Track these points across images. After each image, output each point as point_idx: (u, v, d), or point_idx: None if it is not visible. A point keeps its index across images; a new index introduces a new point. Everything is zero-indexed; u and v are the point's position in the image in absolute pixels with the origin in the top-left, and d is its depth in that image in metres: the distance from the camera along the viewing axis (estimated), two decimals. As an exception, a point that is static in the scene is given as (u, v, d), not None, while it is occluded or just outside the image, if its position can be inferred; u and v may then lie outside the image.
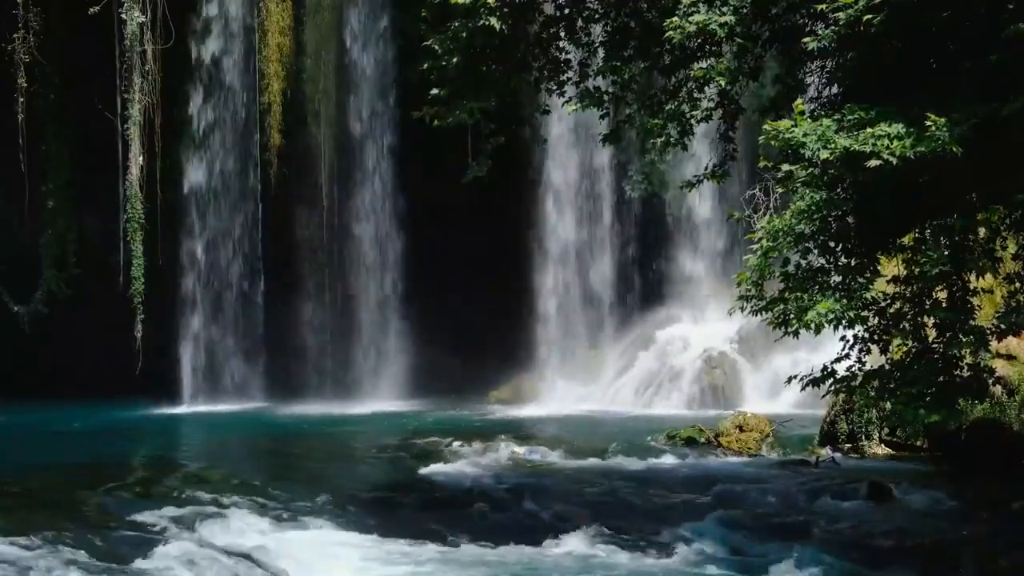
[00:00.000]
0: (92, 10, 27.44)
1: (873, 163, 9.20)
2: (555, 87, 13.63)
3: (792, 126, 9.90)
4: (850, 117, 9.66)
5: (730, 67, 11.46)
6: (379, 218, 30.42)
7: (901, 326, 10.51)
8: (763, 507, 14.64)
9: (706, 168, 13.18)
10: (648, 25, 12.52)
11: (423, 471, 17.34)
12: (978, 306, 10.32)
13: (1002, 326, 10.08)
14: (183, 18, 29.42)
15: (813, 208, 9.98)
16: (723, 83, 11.51)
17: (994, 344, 10.31)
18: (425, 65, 12.80)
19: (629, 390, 27.51)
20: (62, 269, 31.07)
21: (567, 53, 13.55)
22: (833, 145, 9.49)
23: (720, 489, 15.45)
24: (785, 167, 10.08)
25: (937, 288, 10.23)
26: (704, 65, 11.85)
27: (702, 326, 28.11)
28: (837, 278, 10.35)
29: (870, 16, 9.68)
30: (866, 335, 10.76)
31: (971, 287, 10.33)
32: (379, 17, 30.12)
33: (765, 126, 10.15)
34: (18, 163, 29.07)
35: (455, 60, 12.45)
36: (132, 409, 27.46)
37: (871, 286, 10.24)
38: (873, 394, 10.73)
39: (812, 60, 11.23)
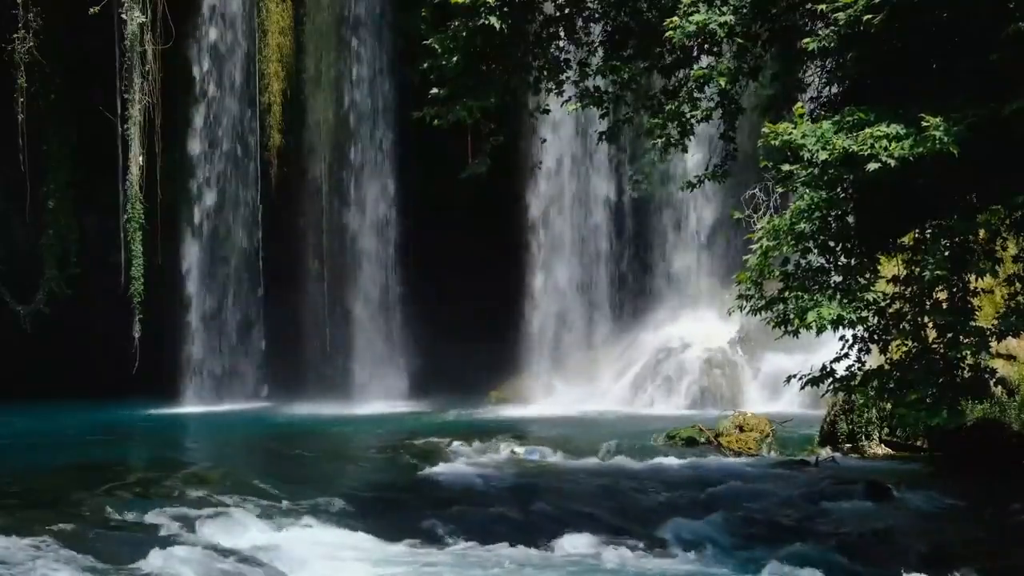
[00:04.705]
0: (92, 10, 27.46)
1: (872, 166, 9.21)
2: (555, 87, 13.64)
3: (791, 128, 9.91)
4: (849, 118, 9.67)
5: (730, 67, 11.46)
6: (379, 218, 30.44)
7: (901, 326, 10.51)
8: (763, 507, 14.62)
9: (706, 168, 13.18)
10: (648, 25, 12.52)
11: (423, 471, 17.33)
12: (978, 307, 10.32)
13: (1002, 328, 10.07)
14: (183, 18, 29.43)
15: (813, 207, 9.98)
16: (723, 83, 11.51)
17: (994, 344, 10.31)
18: (425, 65, 12.80)
19: (629, 390, 27.52)
20: (63, 269, 31.10)
21: (567, 53, 13.55)
22: (832, 146, 9.51)
23: (720, 489, 15.43)
24: (785, 167, 10.09)
25: (937, 289, 10.22)
26: (704, 65, 11.85)
27: (702, 326, 28.12)
28: (837, 278, 10.35)
29: (870, 16, 9.68)
30: (866, 335, 10.77)
31: (972, 287, 10.32)
32: (379, 17, 30.13)
33: (764, 128, 10.16)
34: (18, 163, 29.10)
35: (455, 60, 12.45)
36: (132, 409, 27.47)
37: (872, 287, 10.24)
38: (873, 394, 10.73)
39: (812, 60, 11.23)
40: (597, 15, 13.38)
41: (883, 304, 10.43)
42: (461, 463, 18.00)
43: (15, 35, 28.82)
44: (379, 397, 28.83)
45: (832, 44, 10.27)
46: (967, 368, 10.35)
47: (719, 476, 16.44)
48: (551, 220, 30.01)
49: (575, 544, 12.90)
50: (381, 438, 22.07)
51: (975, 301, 10.29)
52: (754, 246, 10.39)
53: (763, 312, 10.49)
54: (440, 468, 17.48)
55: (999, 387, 11.53)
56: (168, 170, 29.82)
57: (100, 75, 29.08)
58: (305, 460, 20.12)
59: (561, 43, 13.48)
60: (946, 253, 9.82)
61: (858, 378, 10.79)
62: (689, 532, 13.24)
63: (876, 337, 10.73)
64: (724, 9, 11.01)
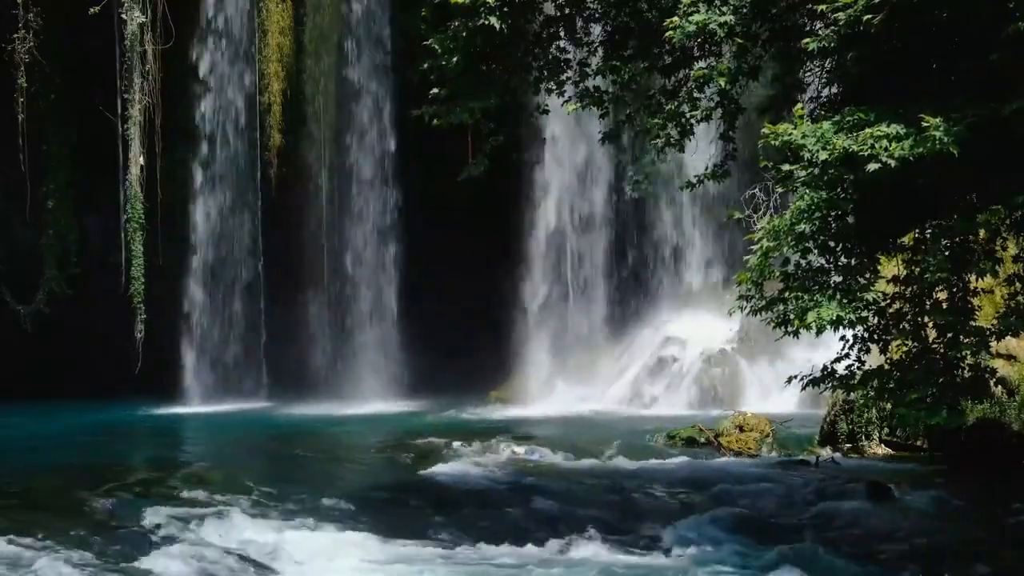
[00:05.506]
0: (92, 10, 27.45)
1: (872, 166, 9.21)
2: (555, 87, 13.64)
3: (791, 128, 9.92)
4: (849, 118, 9.67)
5: (730, 67, 11.46)
6: (379, 218, 30.43)
7: (901, 326, 10.51)
8: (763, 507, 14.63)
9: (706, 168, 13.18)
10: (648, 25, 12.52)
11: (423, 471, 17.33)
12: (978, 307, 10.32)
13: (1002, 328, 10.07)
14: (183, 18, 29.42)
15: (813, 207, 9.98)
16: (723, 83, 11.51)
17: (994, 344, 10.31)
18: (425, 65, 12.80)
19: (628, 390, 27.49)
20: (63, 269, 31.08)
21: (567, 53, 13.55)
22: (832, 146, 9.51)
23: (720, 489, 15.43)
24: (785, 167, 10.09)
25: (937, 289, 10.23)
26: (704, 65, 11.86)
27: (702, 326, 28.09)
28: (837, 278, 10.35)
29: (870, 16, 9.68)
30: (866, 335, 10.77)
31: (972, 287, 10.32)
32: (379, 17, 30.13)
33: (764, 128, 10.16)
34: (18, 163, 29.08)
35: (455, 60, 12.45)
36: (133, 409, 27.48)
37: (872, 287, 10.24)
38: (873, 394, 10.73)
39: (812, 60, 11.23)
40: (597, 15, 13.38)
41: (883, 304, 10.44)
42: (461, 463, 17.99)
43: (15, 35, 28.79)
44: (379, 397, 28.80)
45: (832, 44, 10.27)
46: (967, 368, 10.36)
47: (719, 476, 16.44)
48: (551, 219, 30.00)
49: (575, 544, 12.90)
50: (381, 438, 22.06)
51: (975, 301, 10.29)
52: (754, 246, 10.39)
53: (763, 312, 10.49)
54: (440, 468, 17.48)
55: (999, 387, 11.55)
56: (168, 170, 29.80)
57: (100, 75, 29.07)
58: (305, 460, 20.12)
59: (561, 43, 13.48)
60: (946, 253, 9.82)
61: (858, 378, 10.79)
62: (689, 532, 13.25)
63: (876, 337, 10.73)
64: (724, 9, 11.01)
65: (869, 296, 10.14)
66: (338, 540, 13.09)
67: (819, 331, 9.93)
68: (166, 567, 11.53)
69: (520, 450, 19.18)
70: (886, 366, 10.68)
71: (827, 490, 15.33)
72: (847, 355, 10.97)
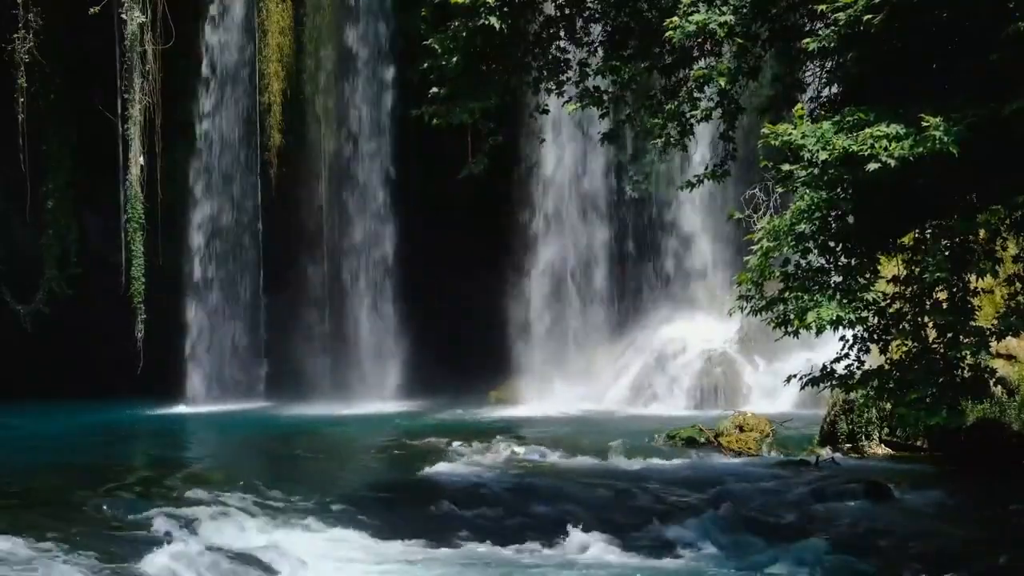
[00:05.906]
0: (92, 10, 27.48)
1: (872, 166, 9.21)
2: (555, 87, 13.65)
3: (791, 128, 9.92)
4: (849, 118, 9.68)
5: (730, 67, 11.46)
6: (378, 218, 30.44)
7: (901, 326, 10.51)
8: (763, 507, 14.62)
9: (706, 168, 13.18)
10: (648, 25, 12.53)
11: (423, 471, 17.33)
12: (978, 307, 10.32)
13: (1002, 328, 10.07)
14: (183, 18, 29.43)
15: (813, 208, 9.98)
16: (723, 83, 11.51)
17: (994, 344, 10.31)
18: (425, 65, 12.81)
19: (629, 390, 27.52)
20: (63, 269, 31.12)
21: (567, 53, 13.56)
22: (832, 146, 9.51)
23: (720, 489, 15.44)
24: (785, 167, 10.10)
25: (937, 289, 10.23)
26: (704, 65, 11.86)
27: (702, 326, 28.10)
28: (837, 278, 10.35)
29: (870, 16, 9.69)
30: (865, 335, 10.77)
31: (972, 287, 10.32)
32: (379, 17, 30.14)
33: (764, 128, 10.16)
34: (18, 163, 29.11)
35: (455, 60, 12.46)
36: (133, 409, 27.48)
37: (872, 287, 10.24)
38: (873, 394, 10.74)
39: (812, 60, 11.24)
40: (597, 15, 13.39)
41: (883, 304, 10.44)
42: (461, 463, 17.99)
43: (15, 35, 28.81)
44: (379, 397, 28.82)
45: (832, 44, 10.27)
46: (967, 368, 10.36)
47: (719, 476, 16.45)
48: (551, 219, 30.00)
49: (575, 544, 12.91)
50: (381, 438, 22.07)
51: (975, 301, 10.29)
52: (754, 247, 10.40)
53: (763, 312, 10.50)
54: (440, 468, 17.48)
55: (999, 387, 11.53)
56: (168, 170, 29.83)
57: (100, 75, 29.10)
58: (305, 460, 20.13)
59: (561, 43, 13.48)
60: (946, 253, 9.82)
61: (857, 378, 10.80)
62: (689, 532, 13.25)
63: (876, 337, 10.73)
64: (724, 9, 11.02)
65: (869, 296, 10.14)
66: (338, 540, 13.10)
67: (819, 331, 9.93)
68: (166, 567, 11.51)
69: (520, 450, 19.18)
70: (886, 366, 10.68)
71: (827, 490, 15.32)
72: (847, 355, 10.98)
